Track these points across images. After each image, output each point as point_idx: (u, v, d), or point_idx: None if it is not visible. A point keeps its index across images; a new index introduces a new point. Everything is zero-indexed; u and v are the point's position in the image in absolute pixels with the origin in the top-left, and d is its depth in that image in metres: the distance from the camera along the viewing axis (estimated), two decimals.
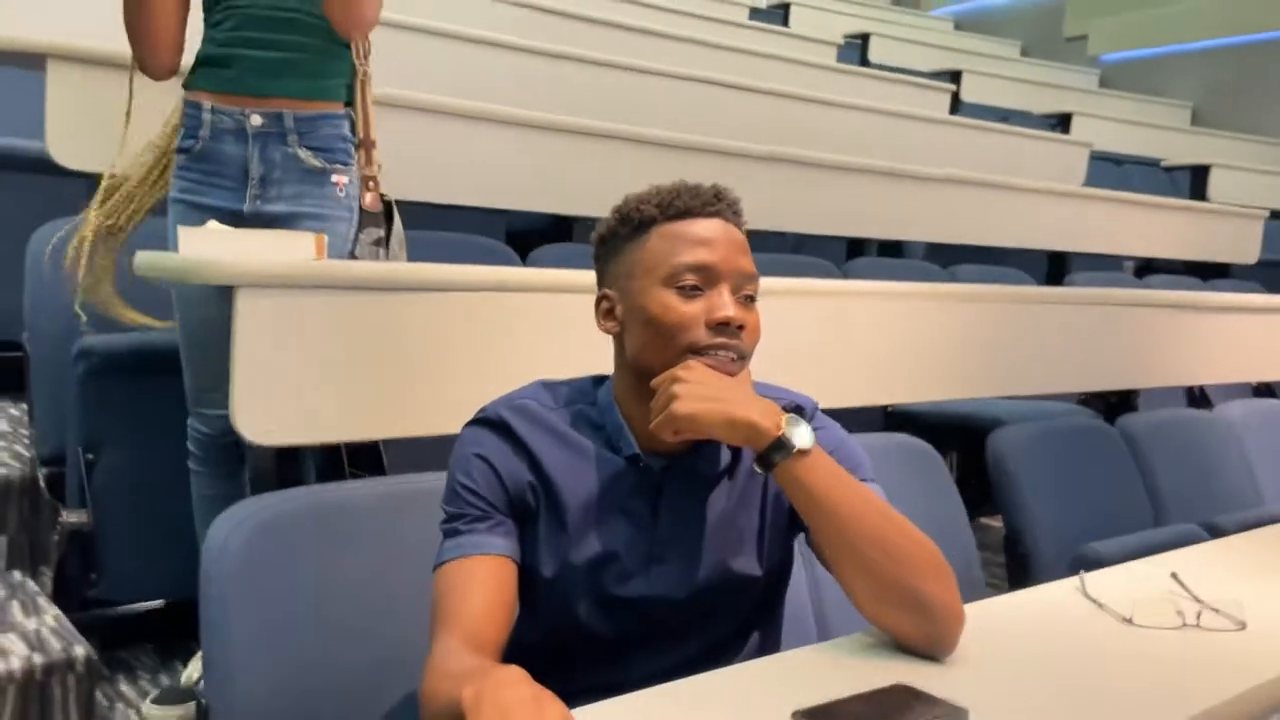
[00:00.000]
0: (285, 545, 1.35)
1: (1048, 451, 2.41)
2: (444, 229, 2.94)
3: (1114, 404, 3.04)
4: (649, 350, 1.14)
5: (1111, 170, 6.53)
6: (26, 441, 2.18)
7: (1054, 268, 4.49)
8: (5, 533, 2.02)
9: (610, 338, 1.20)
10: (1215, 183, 5.79)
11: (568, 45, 3.95)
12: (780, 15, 7.99)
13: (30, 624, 1.75)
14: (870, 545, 1.07)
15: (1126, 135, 6.97)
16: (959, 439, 3.32)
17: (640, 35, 4.83)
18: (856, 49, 7.58)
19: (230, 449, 1.79)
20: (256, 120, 1.80)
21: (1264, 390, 4.04)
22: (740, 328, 1.12)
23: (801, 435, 1.08)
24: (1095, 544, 2.14)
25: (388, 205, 1.94)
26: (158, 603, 2.06)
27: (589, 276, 1.25)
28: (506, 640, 1.12)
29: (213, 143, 1.81)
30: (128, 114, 1.81)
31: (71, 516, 1.88)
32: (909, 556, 1.07)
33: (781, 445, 1.07)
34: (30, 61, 2.08)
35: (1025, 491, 2.33)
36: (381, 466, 2.10)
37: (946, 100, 6.09)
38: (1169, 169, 6.63)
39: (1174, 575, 1.40)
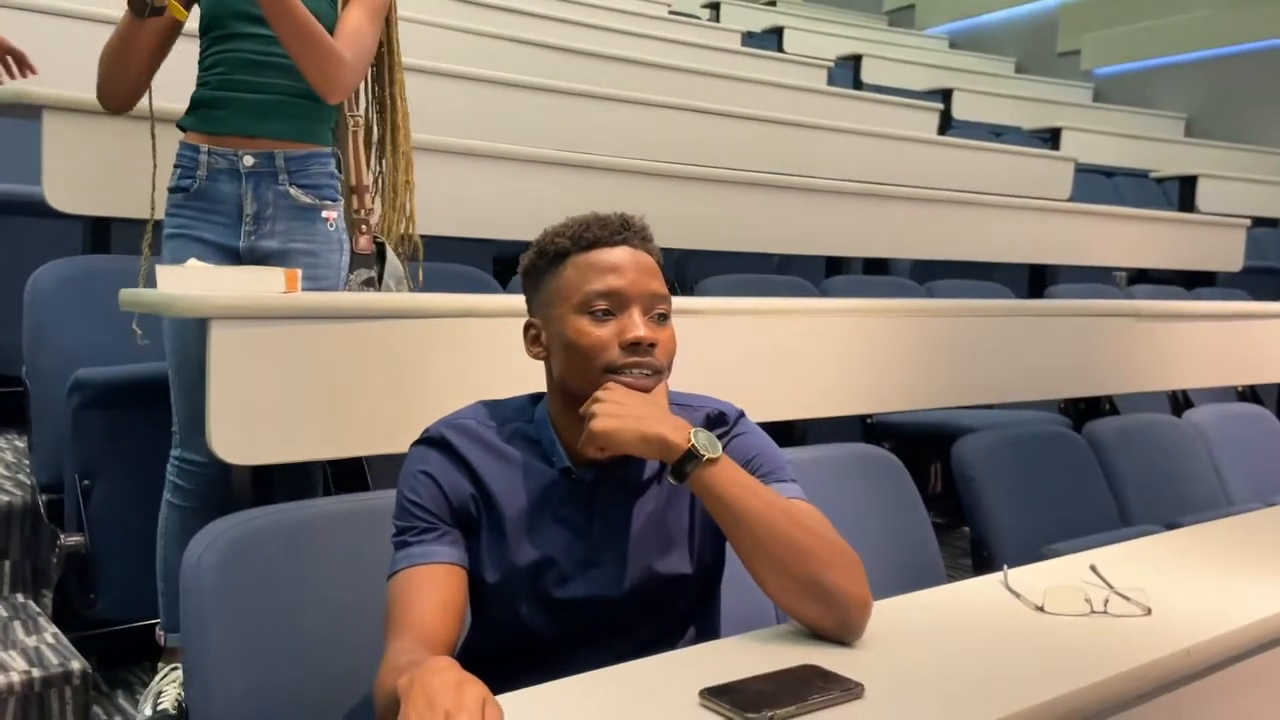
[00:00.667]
0: (258, 560, 1.44)
1: (1010, 458, 2.49)
2: (435, 259, 3.06)
3: (1083, 410, 3.12)
4: (570, 372, 1.25)
5: (1102, 183, 6.62)
6: (29, 471, 2.29)
7: (1036, 280, 4.57)
8: (9, 557, 2.13)
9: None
10: (1203, 193, 5.86)
11: (558, 79, 4.08)
12: (774, 40, 8.14)
13: (31, 641, 1.86)
14: (774, 542, 1.17)
15: (1118, 148, 7.06)
16: (940, 449, 3.40)
17: (631, 66, 4.96)
18: (849, 70, 7.71)
19: (220, 484, 1.86)
20: (249, 160, 1.91)
21: (1249, 394, 4.11)
22: (652, 345, 1.23)
23: (708, 446, 1.18)
24: (1056, 545, 2.22)
25: (379, 246, 2.05)
26: (154, 621, 2.16)
27: (514, 302, 1.35)
28: (456, 640, 1.21)
29: (209, 182, 1.91)
30: (154, 159, 1.92)
31: (69, 540, 1.98)
32: (811, 550, 1.17)
33: (691, 456, 1.17)
34: (27, 112, 2.21)
35: (987, 497, 2.41)
36: (366, 486, 2.21)
37: (935, 119, 6.19)
38: (1159, 180, 6.71)
39: (1092, 567, 1.48)
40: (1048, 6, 9.33)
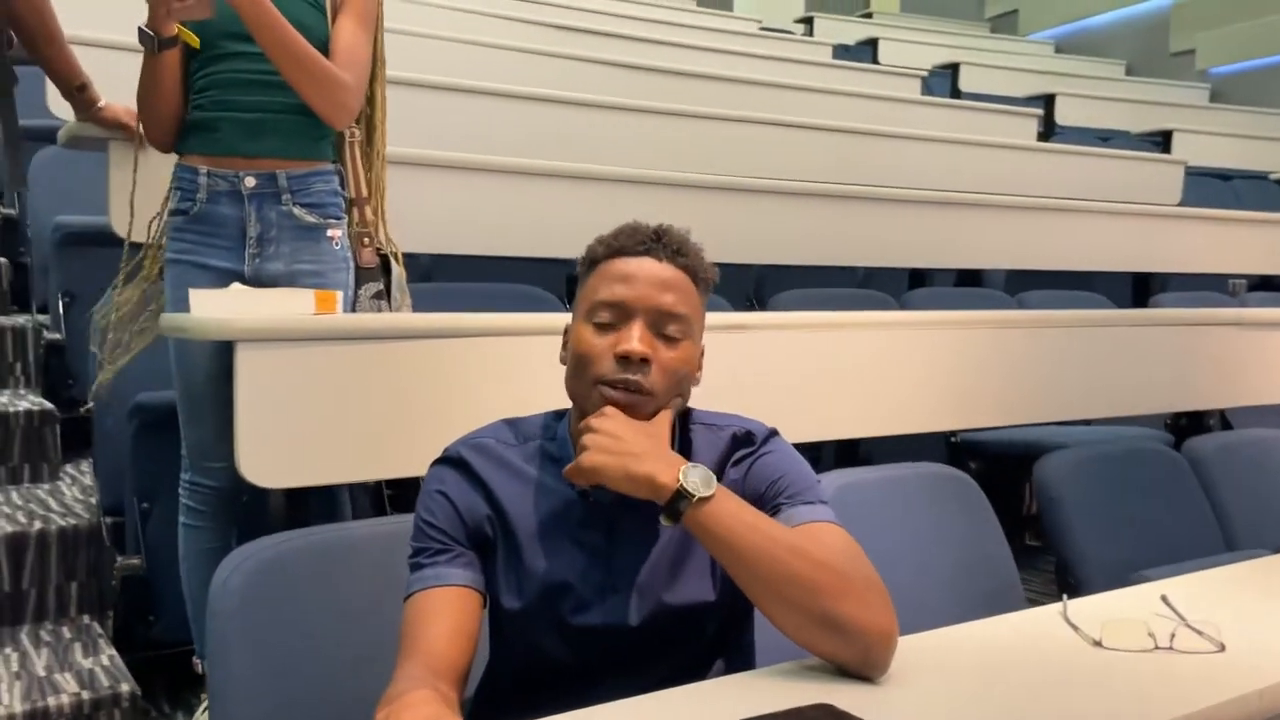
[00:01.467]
0: (285, 583, 1.42)
1: (1098, 477, 2.33)
2: (507, 279, 3.05)
3: (1184, 426, 2.92)
4: (570, 381, 1.21)
5: (1219, 186, 6.28)
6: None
7: (1140, 289, 4.34)
8: (76, 579, 2.17)
9: None
10: None
11: (653, 98, 4.05)
12: (869, 51, 7.99)
13: (87, 663, 1.88)
14: (779, 578, 1.09)
15: (1236, 149, 6.70)
16: (1026, 471, 3.23)
17: (720, 83, 4.90)
18: (946, 79, 7.51)
19: (232, 501, 1.88)
20: (251, 181, 1.89)
21: None
22: (645, 362, 1.16)
23: (701, 484, 1.11)
24: (1146, 571, 2.06)
25: (384, 258, 2.03)
26: None
27: (563, 319, 1.31)
28: (467, 666, 1.16)
29: (210, 205, 1.89)
30: (133, 184, 1.92)
31: (127, 562, 2.01)
32: (818, 583, 1.08)
33: (682, 495, 1.10)
34: (95, 144, 2.26)
35: (1072, 519, 2.25)
36: None
37: (1034, 125, 5.96)
38: (1279, 181, 6.34)
39: (1163, 597, 1.36)
40: (1160, 6, 8.94)
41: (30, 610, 2.10)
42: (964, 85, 7.48)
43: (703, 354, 1.27)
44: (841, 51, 7.56)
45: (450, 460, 1.25)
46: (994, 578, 2.07)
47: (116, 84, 2.26)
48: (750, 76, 5.11)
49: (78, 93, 2.15)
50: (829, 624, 1.08)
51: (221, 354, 1.53)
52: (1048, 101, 6.88)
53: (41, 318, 3.00)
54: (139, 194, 2.03)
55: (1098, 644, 1.22)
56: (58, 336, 2.74)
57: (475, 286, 2.86)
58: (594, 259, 1.23)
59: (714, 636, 1.26)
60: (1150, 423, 3.36)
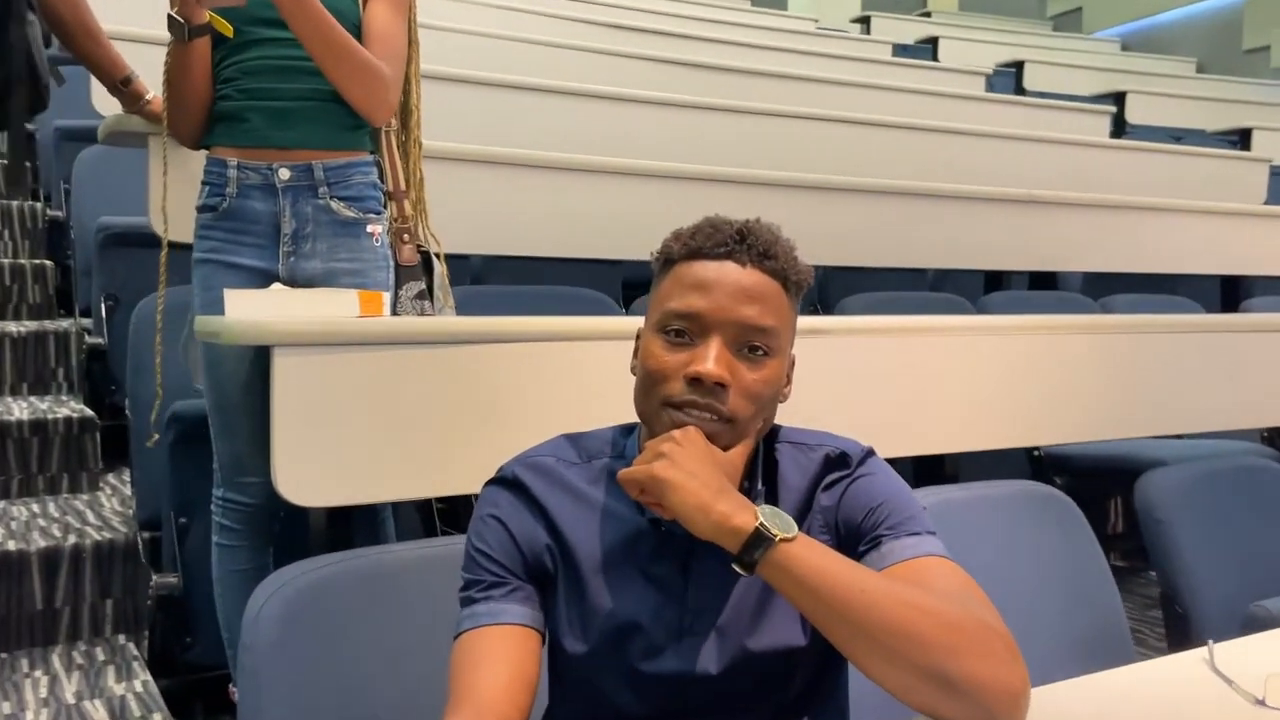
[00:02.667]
0: (325, 612, 1.29)
1: (1207, 496, 2.13)
2: (561, 282, 2.92)
3: None
4: (637, 398, 1.06)
5: None
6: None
7: (1228, 293, 4.10)
8: (111, 596, 2.06)
9: None
10: None
11: (709, 96, 3.91)
12: (929, 50, 7.78)
13: (119, 689, 1.77)
14: (880, 630, 0.92)
15: None
16: (1120, 484, 3.03)
17: (779, 80, 4.75)
18: (1010, 78, 7.28)
19: (269, 519, 1.75)
20: (285, 174, 1.76)
21: None
22: (721, 385, 1.00)
23: (782, 526, 0.94)
24: (1266, 602, 1.88)
25: (426, 256, 1.89)
26: None
27: (633, 323, 1.16)
28: (525, 716, 1.01)
29: (240, 199, 1.76)
30: (164, 181, 1.81)
31: (163, 580, 1.89)
32: (929, 636, 0.91)
33: (761, 538, 0.94)
34: (134, 140, 2.16)
35: (1181, 543, 2.06)
36: None
37: (1106, 123, 5.73)
38: None
39: None
40: (1232, 2, 8.64)
41: (63, 630, 2.00)
42: (1029, 84, 7.25)
43: (793, 364, 1.11)
44: (900, 50, 7.36)
45: (505, 481, 1.10)
46: (1097, 609, 1.88)
47: (155, 79, 2.17)
48: (810, 74, 4.95)
49: (123, 86, 2.06)
50: (944, 683, 0.91)
51: (257, 360, 1.40)
52: (1118, 100, 6.62)
53: (85, 321, 2.91)
54: (177, 190, 1.90)
55: (1260, 702, 1.05)
56: (100, 341, 2.64)
57: (529, 290, 2.73)
58: (669, 258, 1.07)
59: (804, 688, 1.09)
60: (1243, 437, 3.15)
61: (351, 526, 1.57)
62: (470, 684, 1.00)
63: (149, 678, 1.84)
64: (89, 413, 2.50)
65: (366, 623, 1.31)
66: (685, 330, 1.02)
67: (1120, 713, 1.03)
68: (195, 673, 1.98)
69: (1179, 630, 2.07)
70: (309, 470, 1.38)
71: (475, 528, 1.10)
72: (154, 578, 1.89)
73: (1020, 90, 7.12)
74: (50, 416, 2.42)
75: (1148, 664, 1.20)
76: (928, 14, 9.48)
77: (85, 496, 2.40)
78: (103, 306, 2.62)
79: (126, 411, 2.16)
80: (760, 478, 1.08)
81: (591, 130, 3.48)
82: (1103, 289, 3.84)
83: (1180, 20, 9.09)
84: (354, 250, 1.79)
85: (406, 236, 1.85)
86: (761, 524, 0.94)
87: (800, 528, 0.97)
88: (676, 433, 0.99)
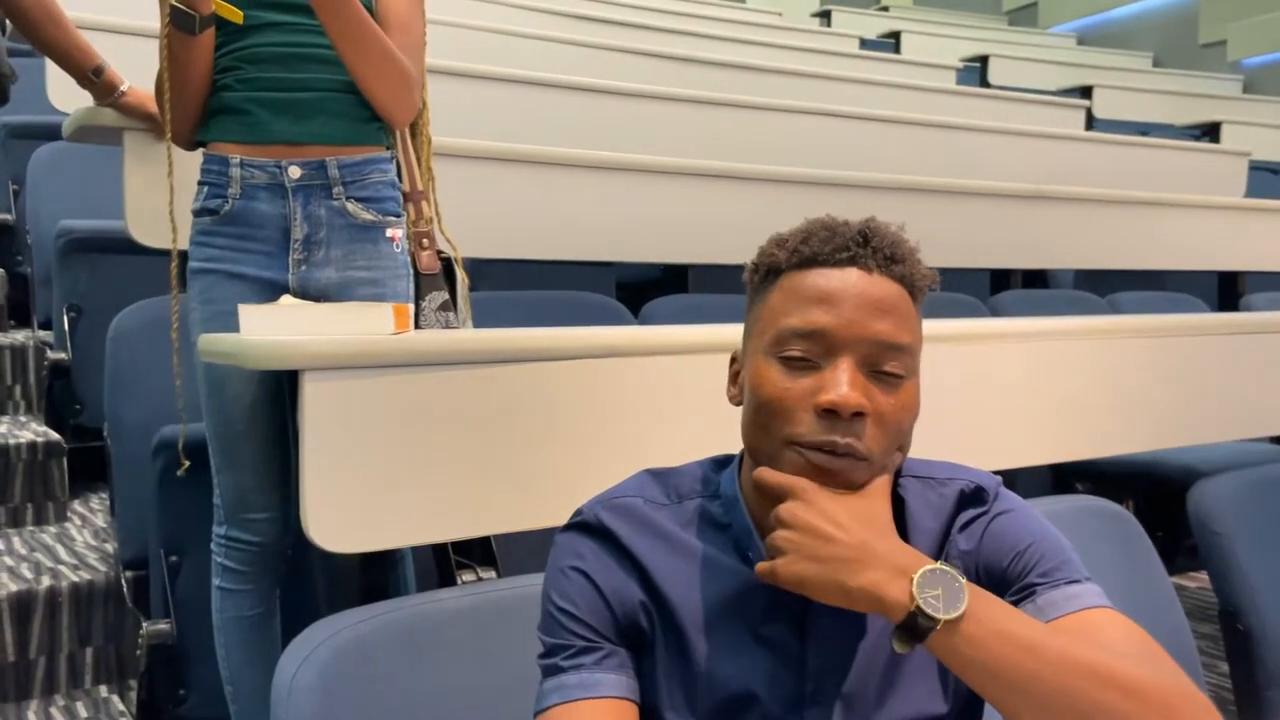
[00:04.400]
0: (367, 675, 1.13)
1: (1263, 506, 2.04)
2: (546, 287, 2.76)
3: None
4: (750, 433, 0.90)
5: (1269, 180, 6.02)
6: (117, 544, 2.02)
7: (1225, 289, 4.05)
8: (91, 644, 1.86)
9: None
10: None
11: (673, 86, 3.76)
12: (891, 45, 7.72)
13: None
14: (1075, 714, 0.78)
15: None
16: (1138, 490, 2.94)
17: (743, 72, 4.62)
18: (975, 73, 7.24)
19: (277, 558, 1.58)
20: (296, 172, 1.58)
21: None
22: (860, 415, 0.85)
23: (947, 597, 0.79)
24: None
25: (447, 263, 1.71)
26: None
27: (715, 333, 1.00)
28: None
29: (245, 201, 1.58)
30: (171, 185, 1.62)
31: (154, 627, 1.70)
32: (1135, 717, 0.77)
33: (922, 619, 0.79)
34: (106, 136, 1.95)
35: (1241, 555, 1.95)
36: (493, 561, 1.88)
37: (1081, 117, 5.70)
38: None
39: None
40: None
41: (38, 683, 1.79)
42: (994, 78, 7.20)
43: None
44: (865, 44, 7.29)
45: (586, 527, 0.94)
46: (1165, 630, 1.77)
47: (125, 69, 1.96)
48: (777, 66, 4.82)
49: (94, 77, 1.85)
50: None
51: (264, 381, 1.22)
52: (1085, 94, 6.60)
53: (44, 334, 2.68)
54: (155, 191, 1.71)
55: None
56: (63, 356, 2.42)
57: (530, 295, 2.56)
58: (774, 268, 0.92)
59: None
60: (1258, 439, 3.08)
61: (379, 569, 1.40)
62: None
63: None
64: (54, 436, 2.28)
65: (416, 684, 1.15)
66: (807, 354, 0.87)
67: None
68: None
69: (1241, 647, 1.97)
70: (345, 512, 1.21)
71: (555, 583, 0.94)
72: (144, 625, 1.70)
73: (985, 85, 7.08)
74: (11, 441, 2.20)
75: None
76: (885, 8, 9.43)
77: (53, 529, 2.18)
78: (65, 318, 2.40)
79: (105, 436, 1.95)
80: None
81: (552, 122, 3.31)
82: (1097, 287, 3.77)
83: (1136, 14, 9.13)
84: (372, 258, 1.61)
85: (426, 241, 1.67)
86: (919, 604, 0.78)
87: None
88: (784, 509, 0.84)
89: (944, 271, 3.62)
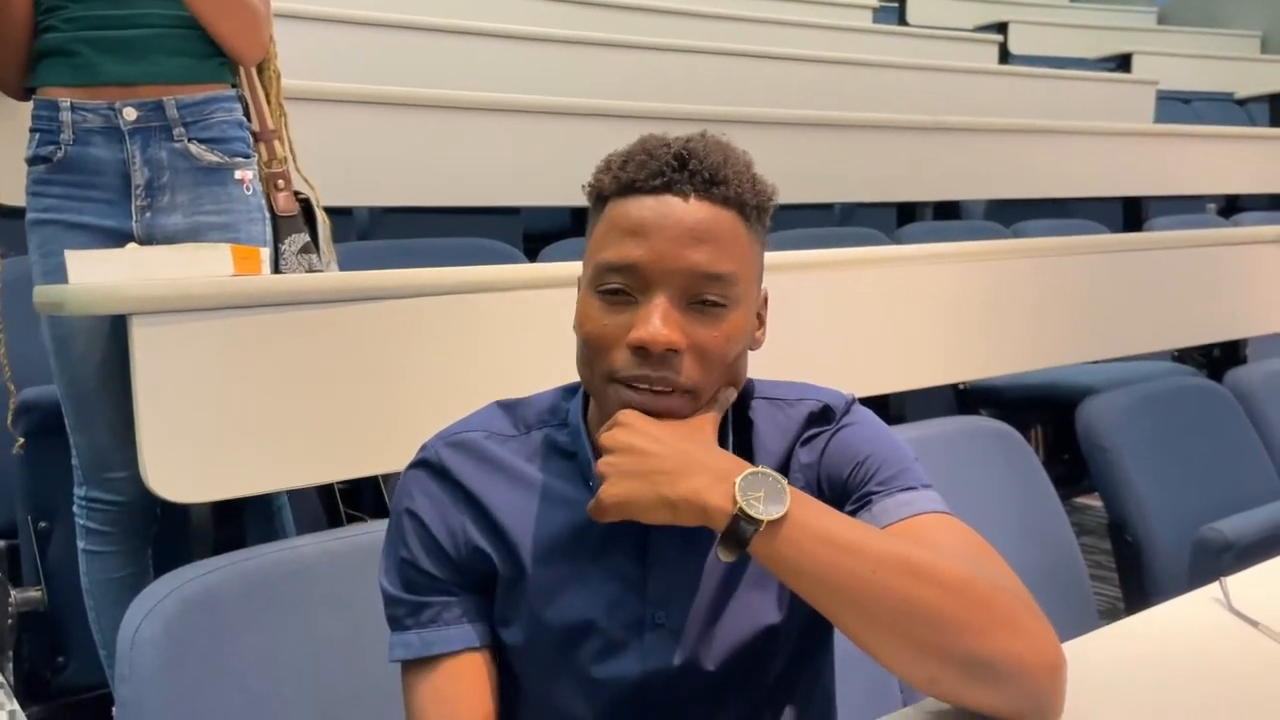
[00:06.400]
0: (216, 628, 1.10)
1: (1147, 420, 2.07)
2: (456, 235, 2.71)
3: (1217, 359, 2.68)
4: (579, 368, 0.88)
5: (1180, 109, 6.11)
6: None
7: (1130, 215, 4.11)
8: None
9: None
10: None
11: (576, 29, 3.70)
12: None
13: None
14: (898, 615, 0.77)
15: (1193, 70, 6.53)
16: (1043, 413, 2.99)
17: (655, 15, 4.56)
18: (893, 12, 7.22)
19: (143, 518, 1.53)
20: (130, 114, 1.51)
21: None
22: (672, 351, 0.82)
23: (769, 499, 0.78)
24: (1219, 524, 1.82)
25: (306, 205, 1.66)
26: None
27: (560, 270, 0.97)
28: None
29: (79, 147, 1.52)
30: None
31: (25, 595, 1.65)
32: (953, 615, 0.76)
33: (743, 521, 0.78)
34: None
35: (1127, 469, 1.99)
36: (385, 511, 1.85)
37: (995, 52, 5.72)
38: (1242, 101, 6.19)
39: None
40: None
41: None
42: (911, 18, 7.19)
43: (765, 302, 0.94)
44: None
45: (428, 465, 0.92)
46: (1050, 542, 1.81)
47: None
48: (697, 9, 4.77)
49: None
50: (978, 668, 0.76)
51: (114, 334, 1.18)
52: (1001, 29, 6.62)
53: None
54: (4, 144, 1.64)
55: None
56: None
57: (424, 243, 2.51)
58: (600, 194, 0.88)
59: (781, 675, 0.94)
60: (1159, 358, 3.13)
61: (241, 520, 1.36)
62: None
63: (16, 707, 1.60)
64: None
65: (267, 635, 1.12)
66: (624, 287, 0.83)
67: (1144, 671, 0.91)
68: (71, 695, 1.75)
69: (1130, 558, 2.01)
70: (184, 461, 1.17)
71: (394, 529, 0.92)
72: (12, 593, 1.65)
73: (903, 23, 7.07)
74: None
75: (1159, 610, 1.08)
76: None
77: None
78: None
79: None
80: (732, 443, 0.91)
81: (472, 67, 3.24)
82: (1008, 217, 3.79)
83: None
84: (221, 201, 1.55)
85: (281, 183, 1.61)
86: (741, 507, 0.77)
87: None
88: (606, 435, 0.83)
89: (851, 206, 3.63)
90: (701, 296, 0.84)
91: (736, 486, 0.78)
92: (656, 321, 0.81)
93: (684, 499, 0.79)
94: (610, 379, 0.84)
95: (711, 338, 0.84)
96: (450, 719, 0.86)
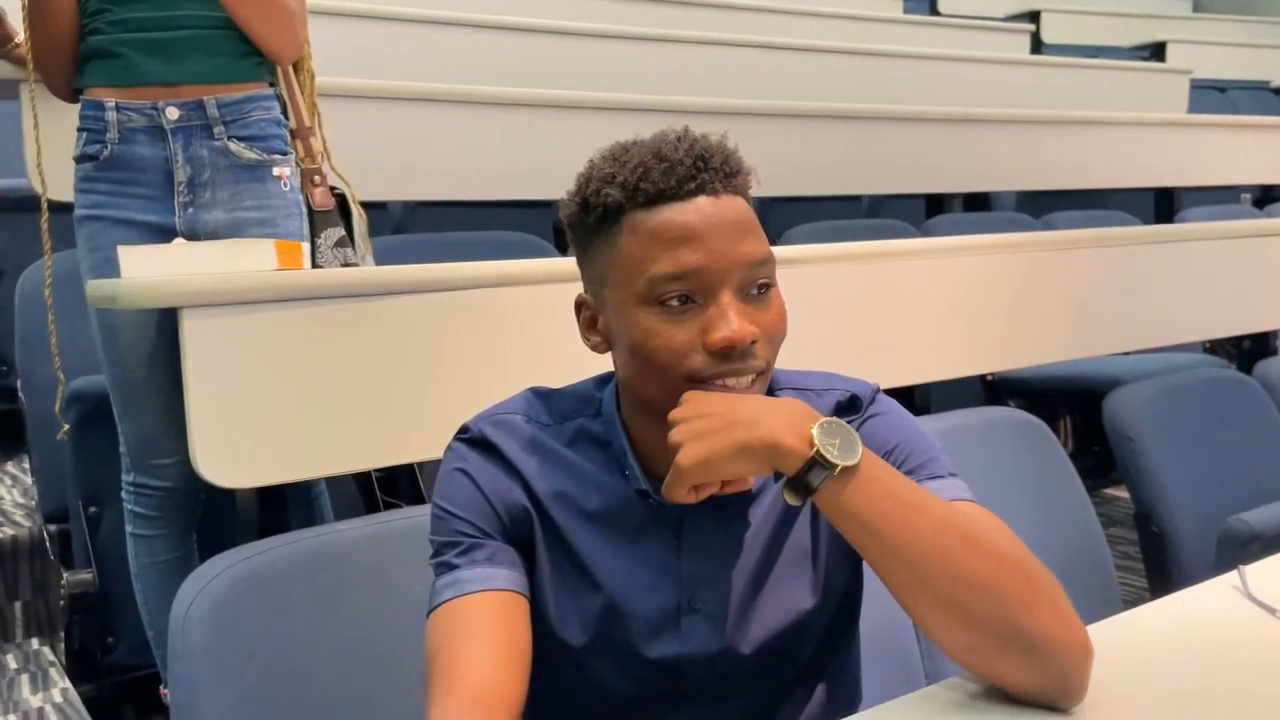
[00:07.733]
0: (261, 608, 1.14)
1: (1175, 411, 2.08)
2: (488, 228, 2.75)
3: (1248, 350, 2.68)
4: (641, 382, 0.89)
5: (1216, 98, 6.06)
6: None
7: (1162, 206, 4.08)
8: (19, 598, 1.87)
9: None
10: None
11: (613, 24, 3.73)
12: None
13: (35, 700, 1.59)
14: (951, 580, 0.80)
15: (1229, 59, 6.47)
16: (1072, 404, 2.99)
17: (700, 8, 4.57)
18: (924, 3, 7.19)
19: (189, 502, 1.59)
20: (173, 113, 1.57)
21: None
22: (753, 342, 0.85)
23: (843, 446, 0.81)
24: (1245, 515, 1.83)
25: (341, 199, 1.71)
26: None
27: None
28: (524, 695, 0.87)
29: (124, 145, 1.57)
30: (36, 134, 1.60)
31: (76, 577, 1.71)
32: (1004, 587, 0.80)
33: (817, 464, 0.81)
34: (7, 90, 1.92)
35: (1153, 460, 2.00)
36: (421, 498, 1.90)
37: (1026, 42, 5.69)
38: (1278, 90, 6.11)
39: None
40: None
41: None
42: (943, 7, 7.16)
43: None
44: None
45: (472, 440, 0.95)
46: (1075, 532, 1.82)
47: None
48: (730, 2, 4.77)
49: None
50: (1017, 642, 0.80)
51: (161, 326, 1.22)
52: (1033, 18, 6.58)
53: None
54: (56, 143, 1.69)
55: None
56: None
57: (457, 236, 2.56)
58: (612, 208, 0.88)
59: (812, 656, 0.97)
60: (1190, 349, 3.13)
61: (284, 506, 1.41)
62: (456, 662, 0.85)
63: (68, 685, 1.66)
64: None
65: (311, 614, 1.16)
66: (687, 294, 0.85)
67: (1160, 655, 0.94)
68: (120, 675, 1.80)
69: (1156, 549, 2.02)
70: (231, 447, 1.22)
71: (443, 486, 0.95)
72: (65, 575, 1.71)
73: (934, 12, 7.04)
74: None
75: (1176, 597, 1.11)
76: None
77: None
78: None
79: (19, 393, 1.95)
80: None
81: (504, 63, 3.28)
82: (1038, 209, 3.79)
83: None
84: (261, 197, 1.60)
85: (317, 178, 1.66)
86: (819, 449, 0.80)
87: None
88: (674, 412, 0.85)
89: (879, 198, 3.64)
90: (757, 282, 0.87)
91: (816, 430, 0.81)
92: (734, 319, 0.84)
93: (760, 439, 0.81)
94: (690, 381, 0.86)
95: (771, 320, 0.87)
96: (486, 653, 0.86)
